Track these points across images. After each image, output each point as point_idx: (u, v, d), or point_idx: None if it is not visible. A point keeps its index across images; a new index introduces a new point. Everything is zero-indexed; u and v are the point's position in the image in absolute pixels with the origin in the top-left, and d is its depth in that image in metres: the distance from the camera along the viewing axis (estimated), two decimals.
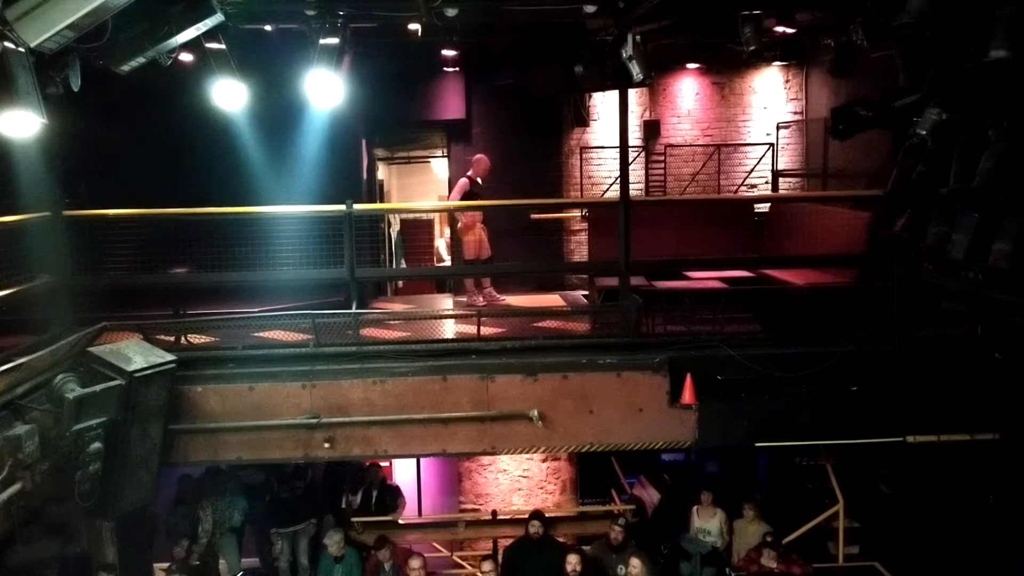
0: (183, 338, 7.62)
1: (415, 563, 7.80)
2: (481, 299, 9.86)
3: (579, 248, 12.22)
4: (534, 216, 11.44)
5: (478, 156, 9.99)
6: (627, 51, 7.56)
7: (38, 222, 7.37)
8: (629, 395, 7.43)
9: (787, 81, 12.78)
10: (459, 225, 9.92)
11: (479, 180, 9.80)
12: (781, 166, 12.74)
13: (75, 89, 6.43)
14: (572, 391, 7.42)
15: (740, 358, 7.36)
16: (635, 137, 12.31)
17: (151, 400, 6.48)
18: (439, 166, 14.75)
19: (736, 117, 12.82)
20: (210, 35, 7.04)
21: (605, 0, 7.27)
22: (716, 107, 12.79)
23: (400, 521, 9.28)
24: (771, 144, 12.72)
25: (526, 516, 8.52)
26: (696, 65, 12.53)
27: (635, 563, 7.55)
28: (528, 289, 10.85)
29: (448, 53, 10.49)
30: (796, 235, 9.47)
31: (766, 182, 12.78)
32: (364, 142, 11.55)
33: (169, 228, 8.20)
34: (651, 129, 12.60)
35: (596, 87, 10.57)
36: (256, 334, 7.89)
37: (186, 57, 7.58)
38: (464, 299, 10.12)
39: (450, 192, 10.63)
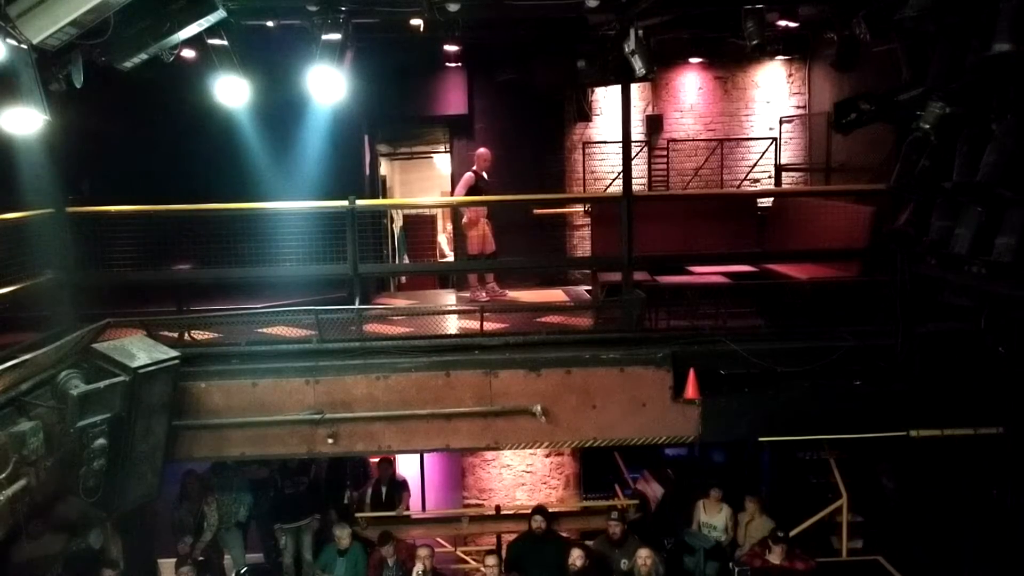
0: (187, 334, 7.63)
1: (423, 552, 7.85)
2: (484, 294, 9.85)
3: (582, 243, 12.22)
4: (537, 211, 11.46)
5: (480, 150, 9.97)
6: (629, 46, 7.54)
7: (41, 219, 7.40)
8: (632, 390, 7.44)
9: (790, 75, 12.75)
10: (464, 220, 9.90)
11: (484, 175, 9.79)
12: (784, 160, 12.72)
13: (78, 86, 6.47)
14: (575, 386, 7.43)
15: (743, 353, 7.35)
16: (638, 132, 12.28)
17: (155, 396, 6.47)
18: (441, 161, 14.75)
19: (739, 111, 12.79)
20: (212, 31, 7.04)
21: None
22: (719, 101, 12.75)
23: (405, 514, 9.29)
24: (774, 138, 12.68)
25: (529, 511, 8.52)
26: (699, 59, 12.49)
27: (644, 553, 7.58)
28: (531, 284, 10.86)
29: (450, 48, 10.48)
30: (799, 230, 9.46)
31: (769, 176, 12.74)
32: (366, 138, 11.53)
33: (172, 224, 8.21)
34: (654, 124, 12.58)
35: (598, 82, 10.57)
36: (259, 330, 7.89)
37: (188, 53, 7.58)
38: (467, 294, 10.11)
39: (454, 187, 10.63)
